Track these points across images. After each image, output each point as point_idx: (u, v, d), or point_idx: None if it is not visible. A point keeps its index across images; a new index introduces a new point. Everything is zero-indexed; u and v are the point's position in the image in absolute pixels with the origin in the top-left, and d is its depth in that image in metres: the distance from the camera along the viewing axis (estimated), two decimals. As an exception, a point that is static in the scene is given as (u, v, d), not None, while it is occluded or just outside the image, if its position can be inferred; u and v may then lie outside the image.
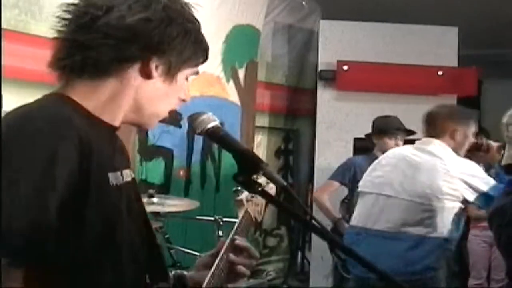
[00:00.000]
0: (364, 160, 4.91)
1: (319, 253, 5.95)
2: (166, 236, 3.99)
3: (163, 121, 4.50)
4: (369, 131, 5.05)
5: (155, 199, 3.76)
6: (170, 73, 1.40)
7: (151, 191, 3.76)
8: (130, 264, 1.38)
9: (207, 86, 5.08)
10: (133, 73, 1.37)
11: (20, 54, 3.35)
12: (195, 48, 1.43)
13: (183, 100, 1.50)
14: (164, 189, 4.67)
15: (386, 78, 6.22)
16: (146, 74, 1.38)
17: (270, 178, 1.40)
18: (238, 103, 5.63)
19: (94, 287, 1.29)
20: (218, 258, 1.60)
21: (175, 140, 4.79)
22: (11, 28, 3.32)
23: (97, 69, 1.34)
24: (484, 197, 3.40)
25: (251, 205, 1.80)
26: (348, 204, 4.99)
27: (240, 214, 1.78)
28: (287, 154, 6.90)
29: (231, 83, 5.53)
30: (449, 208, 3.43)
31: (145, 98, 1.40)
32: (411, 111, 6.25)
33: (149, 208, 3.78)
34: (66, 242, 1.21)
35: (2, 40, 3.01)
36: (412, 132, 4.87)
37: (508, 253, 2.58)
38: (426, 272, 3.46)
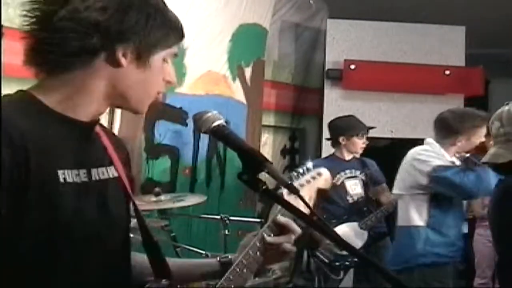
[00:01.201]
0: (325, 162, 4.90)
1: (325, 252, 5.95)
2: (172, 234, 3.99)
3: (169, 119, 4.49)
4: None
5: (162, 197, 3.75)
6: (141, 59, 1.37)
7: (157, 189, 3.76)
8: (96, 260, 1.37)
9: (212, 85, 5.07)
10: (101, 64, 1.35)
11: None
12: (162, 31, 1.39)
13: (168, 82, 1.47)
14: (170, 187, 4.67)
15: (393, 77, 6.21)
16: (115, 63, 1.35)
17: (274, 177, 1.39)
18: (244, 102, 5.62)
19: (53, 282, 1.29)
20: (256, 239, 1.62)
21: (181, 139, 4.79)
22: (16, 27, 3.32)
23: (61, 65, 1.33)
24: (435, 179, 3.63)
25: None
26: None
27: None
28: (293, 153, 6.89)
29: (237, 81, 5.51)
30: (419, 198, 3.75)
31: (122, 85, 1.38)
32: (417, 110, 6.28)
33: (156, 206, 3.79)
34: (14, 241, 1.22)
35: (2, 38, 3.00)
36: (371, 128, 4.99)
37: (498, 240, 2.65)
38: (416, 259, 3.72)
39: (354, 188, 4.83)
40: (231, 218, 4.11)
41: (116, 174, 1.47)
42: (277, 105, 6.54)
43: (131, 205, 1.54)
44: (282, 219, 1.65)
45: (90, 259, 1.35)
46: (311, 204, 1.75)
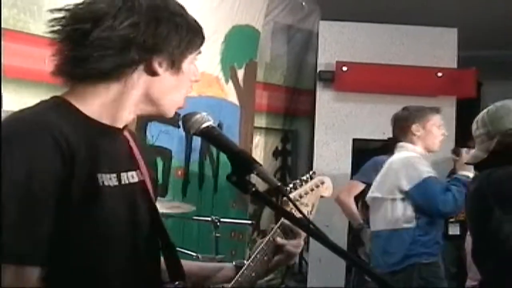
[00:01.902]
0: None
1: (317, 254, 5.96)
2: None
3: (162, 120, 4.47)
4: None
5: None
6: (174, 66, 1.45)
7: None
8: (127, 261, 1.41)
9: (205, 87, 5.07)
10: (138, 74, 1.41)
11: (19, 54, 3.34)
12: (190, 37, 1.46)
13: (196, 81, 1.54)
14: (163, 189, 4.67)
15: (385, 79, 6.21)
16: (152, 73, 1.42)
17: (264, 179, 1.40)
18: (237, 103, 5.62)
19: (89, 281, 1.33)
20: (263, 243, 1.64)
21: (173, 140, 4.78)
22: (10, 28, 3.32)
23: (99, 76, 1.39)
24: (416, 187, 3.74)
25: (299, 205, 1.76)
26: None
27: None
28: (285, 155, 6.89)
29: (230, 83, 5.52)
30: (398, 201, 3.82)
31: (158, 92, 1.45)
32: (410, 112, 6.27)
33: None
34: (55, 243, 1.25)
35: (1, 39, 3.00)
36: None
37: (473, 232, 2.90)
38: (412, 259, 3.77)
39: None
40: (222, 220, 4.11)
41: (142, 178, 1.51)
42: (269, 107, 6.55)
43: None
44: (288, 223, 1.67)
45: (121, 261, 1.39)
46: (313, 212, 1.78)
